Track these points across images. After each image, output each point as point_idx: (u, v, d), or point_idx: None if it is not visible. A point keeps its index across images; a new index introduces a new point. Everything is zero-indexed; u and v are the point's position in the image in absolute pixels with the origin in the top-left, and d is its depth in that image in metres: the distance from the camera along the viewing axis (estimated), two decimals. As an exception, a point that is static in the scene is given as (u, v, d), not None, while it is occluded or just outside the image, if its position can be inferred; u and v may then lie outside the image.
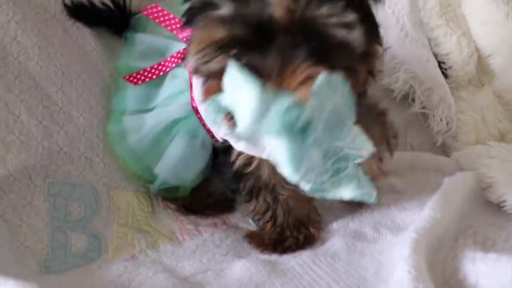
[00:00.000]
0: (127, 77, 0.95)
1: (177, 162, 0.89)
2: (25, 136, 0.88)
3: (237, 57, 0.60)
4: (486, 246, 0.73)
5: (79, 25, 1.00)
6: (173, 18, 0.95)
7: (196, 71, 0.65)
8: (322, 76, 0.56)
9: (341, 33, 0.59)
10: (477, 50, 1.14)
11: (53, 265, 0.81)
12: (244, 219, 0.93)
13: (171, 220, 0.93)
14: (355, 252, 0.76)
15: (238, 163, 0.78)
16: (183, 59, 0.89)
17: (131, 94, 0.94)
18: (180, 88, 0.90)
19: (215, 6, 0.60)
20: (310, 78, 0.57)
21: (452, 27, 1.13)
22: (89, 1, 1.02)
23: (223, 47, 0.60)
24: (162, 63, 0.93)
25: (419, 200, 0.86)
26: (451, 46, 1.12)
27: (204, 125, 0.88)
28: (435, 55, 1.14)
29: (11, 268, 0.73)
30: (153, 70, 0.93)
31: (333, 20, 0.59)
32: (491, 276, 0.64)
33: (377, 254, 0.74)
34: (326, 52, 0.60)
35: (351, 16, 0.59)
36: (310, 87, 0.56)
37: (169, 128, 0.90)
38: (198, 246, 0.87)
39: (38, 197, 0.86)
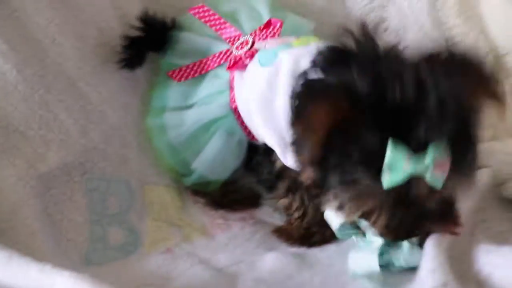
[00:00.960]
0: (170, 73, 0.98)
1: (214, 159, 0.94)
2: (64, 134, 0.91)
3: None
4: (500, 239, 0.77)
5: (113, 26, 1.02)
6: (218, 19, 0.99)
7: None
8: None
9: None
10: (493, 49, 1.16)
11: (93, 257, 0.86)
12: (270, 215, 0.98)
13: (201, 215, 0.98)
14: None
15: (280, 163, 0.84)
16: (225, 59, 0.93)
17: (172, 92, 0.98)
18: (220, 88, 0.93)
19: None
20: None
21: (470, 26, 1.16)
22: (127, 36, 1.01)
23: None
24: (205, 61, 0.96)
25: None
26: (468, 45, 1.15)
27: (241, 124, 0.92)
28: (453, 55, 1.16)
29: (58, 260, 0.78)
30: (195, 68, 0.96)
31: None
32: (505, 267, 0.69)
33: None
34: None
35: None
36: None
37: (208, 126, 0.93)
38: (230, 239, 0.91)
39: (77, 192, 0.91)
